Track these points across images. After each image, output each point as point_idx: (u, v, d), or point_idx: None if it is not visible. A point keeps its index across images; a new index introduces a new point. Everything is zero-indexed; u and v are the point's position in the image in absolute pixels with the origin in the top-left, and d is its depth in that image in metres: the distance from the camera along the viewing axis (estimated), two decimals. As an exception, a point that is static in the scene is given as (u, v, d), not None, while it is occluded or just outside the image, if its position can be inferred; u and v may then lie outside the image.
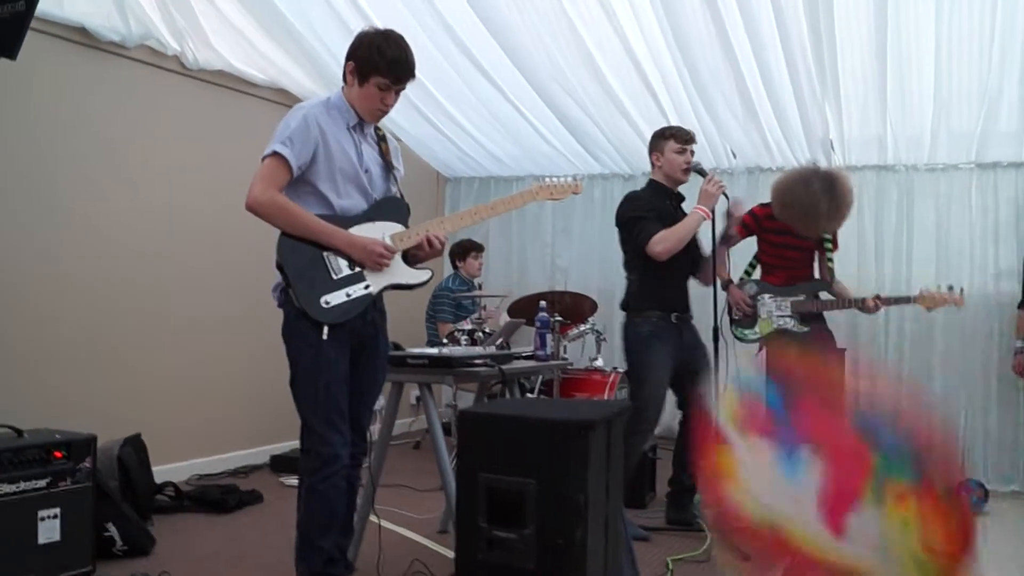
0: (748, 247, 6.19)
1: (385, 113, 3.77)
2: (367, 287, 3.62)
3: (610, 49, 6.61)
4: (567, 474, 2.89)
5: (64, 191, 5.58)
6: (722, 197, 5.15)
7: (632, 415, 5.11)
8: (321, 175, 3.58)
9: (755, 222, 5.99)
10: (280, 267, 3.51)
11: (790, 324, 5.94)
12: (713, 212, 5.11)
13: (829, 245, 6.10)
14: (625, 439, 4.95)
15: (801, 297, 5.96)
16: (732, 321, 6.02)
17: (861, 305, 5.91)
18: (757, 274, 6.19)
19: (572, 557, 2.89)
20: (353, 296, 3.58)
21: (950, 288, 5.82)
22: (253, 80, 6.93)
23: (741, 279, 6.14)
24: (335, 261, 3.57)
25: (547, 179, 4.12)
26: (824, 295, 6.04)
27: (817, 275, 6.09)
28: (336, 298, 3.53)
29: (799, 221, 5.73)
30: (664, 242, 5.05)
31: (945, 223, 7.75)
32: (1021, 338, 7.03)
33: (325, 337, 3.49)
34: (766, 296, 5.99)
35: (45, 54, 5.41)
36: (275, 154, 3.48)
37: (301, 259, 3.51)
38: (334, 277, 3.56)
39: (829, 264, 6.09)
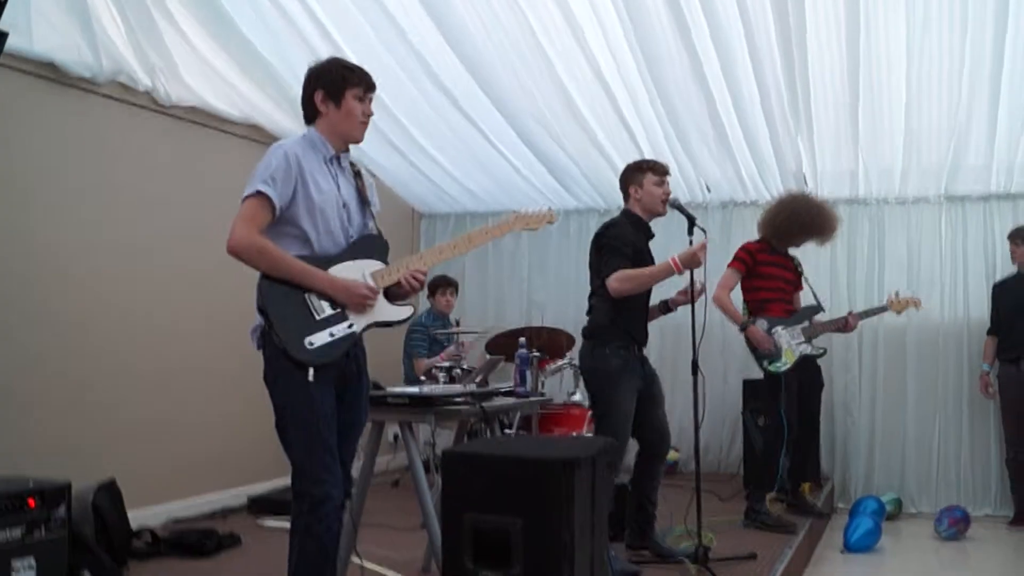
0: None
1: (367, 123, 3.75)
2: (350, 326, 3.57)
3: (585, 84, 6.66)
4: (553, 513, 2.87)
5: (32, 228, 5.49)
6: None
7: None
8: (301, 214, 3.53)
9: (751, 257, 6.44)
10: (261, 310, 3.44)
11: (808, 349, 6.43)
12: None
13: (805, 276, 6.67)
14: None
15: (806, 323, 6.47)
16: (759, 358, 6.38)
17: (844, 324, 6.60)
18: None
19: (560, 596, 2.87)
20: (337, 336, 3.52)
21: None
22: (227, 116, 6.88)
23: (751, 319, 6.42)
24: (317, 301, 3.51)
25: (523, 209, 4.02)
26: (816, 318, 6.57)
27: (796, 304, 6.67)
28: (320, 338, 3.47)
29: (800, 234, 6.51)
30: (628, 282, 4.97)
31: (916, 254, 7.94)
32: (987, 362, 7.27)
33: (311, 378, 3.44)
34: (779, 328, 6.40)
35: (13, 90, 5.34)
36: (259, 194, 3.42)
37: (283, 301, 3.46)
38: (317, 317, 3.50)
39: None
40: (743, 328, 6.35)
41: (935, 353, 7.81)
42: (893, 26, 5.86)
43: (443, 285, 7.95)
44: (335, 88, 3.65)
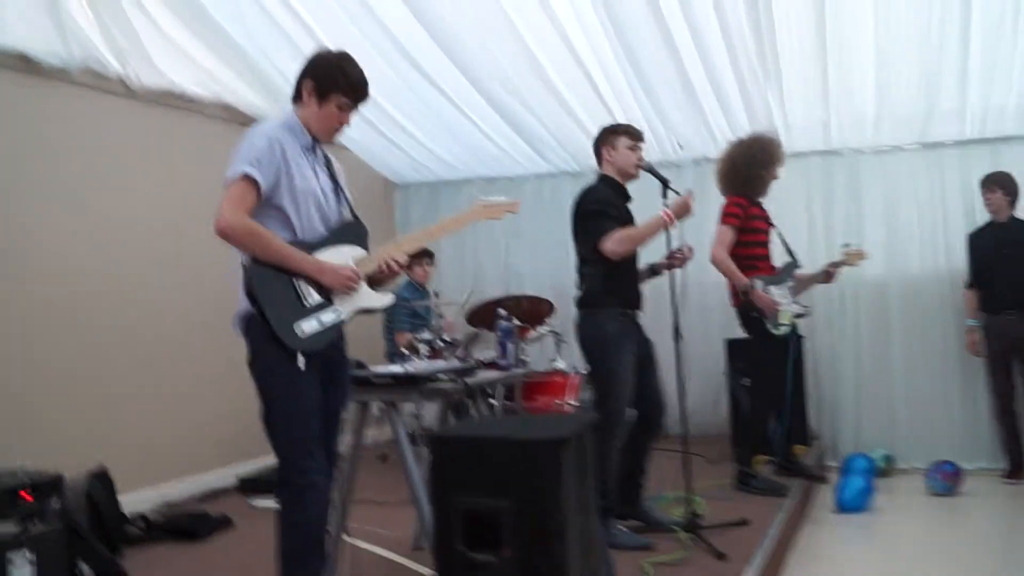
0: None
1: (340, 132, 3.73)
2: (338, 314, 3.58)
3: (552, 47, 6.59)
4: (542, 493, 2.88)
5: (13, 221, 5.47)
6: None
7: (605, 420, 4.92)
8: (285, 198, 3.51)
9: (743, 211, 6.23)
10: (250, 294, 3.42)
11: (798, 308, 6.33)
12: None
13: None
14: (602, 446, 4.86)
15: (791, 283, 6.33)
16: (764, 319, 6.16)
17: (825, 276, 6.57)
18: None
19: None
20: (326, 323, 3.53)
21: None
22: (198, 98, 6.83)
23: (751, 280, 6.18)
24: (305, 288, 3.51)
25: (489, 198, 4.12)
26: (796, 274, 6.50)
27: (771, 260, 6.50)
28: (310, 326, 3.48)
29: (768, 174, 6.36)
30: (623, 243, 4.95)
31: (893, 204, 7.88)
32: (972, 317, 7.17)
33: (302, 367, 3.44)
34: (772, 288, 6.20)
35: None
36: (245, 176, 3.38)
37: (272, 285, 3.44)
38: (306, 305, 3.50)
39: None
40: (747, 291, 6.10)
41: (918, 304, 7.77)
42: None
43: (419, 255, 7.85)
44: (324, 85, 3.60)
